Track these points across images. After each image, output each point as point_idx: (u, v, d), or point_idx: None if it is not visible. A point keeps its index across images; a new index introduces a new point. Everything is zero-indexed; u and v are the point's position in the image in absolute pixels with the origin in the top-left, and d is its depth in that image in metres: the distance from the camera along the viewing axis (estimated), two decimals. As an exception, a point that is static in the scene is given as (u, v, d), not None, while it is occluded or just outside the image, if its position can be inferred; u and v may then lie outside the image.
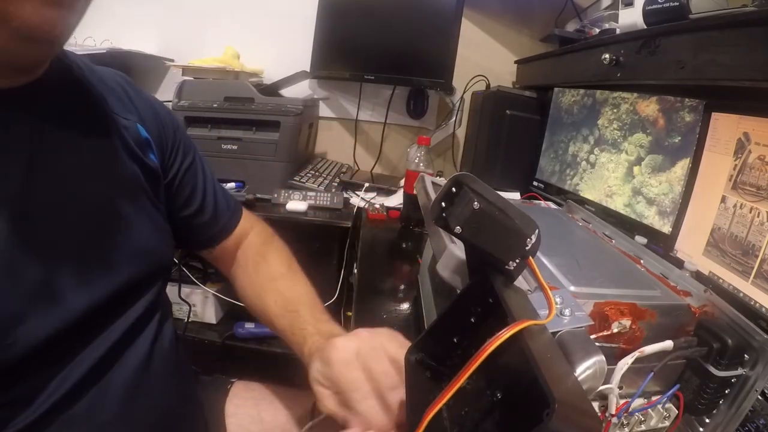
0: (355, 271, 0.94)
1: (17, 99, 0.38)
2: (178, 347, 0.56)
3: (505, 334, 0.23)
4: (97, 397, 0.42)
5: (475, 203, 0.26)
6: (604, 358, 0.27)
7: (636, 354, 0.35)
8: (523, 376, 0.21)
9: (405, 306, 0.72)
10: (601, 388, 0.34)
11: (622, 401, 0.36)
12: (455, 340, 0.30)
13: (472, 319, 0.30)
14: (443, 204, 0.27)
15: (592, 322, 0.35)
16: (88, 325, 0.42)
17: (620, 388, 0.36)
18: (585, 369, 0.27)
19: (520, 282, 0.35)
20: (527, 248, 0.28)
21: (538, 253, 0.44)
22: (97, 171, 0.45)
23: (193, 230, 0.61)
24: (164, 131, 0.56)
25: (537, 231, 0.29)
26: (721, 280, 0.62)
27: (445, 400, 0.23)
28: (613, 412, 0.35)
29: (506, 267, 0.28)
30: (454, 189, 0.27)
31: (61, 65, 0.44)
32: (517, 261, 0.28)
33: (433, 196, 0.57)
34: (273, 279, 0.63)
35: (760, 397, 0.41)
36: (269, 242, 0.68)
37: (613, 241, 0.60)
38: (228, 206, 0.65)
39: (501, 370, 0.24)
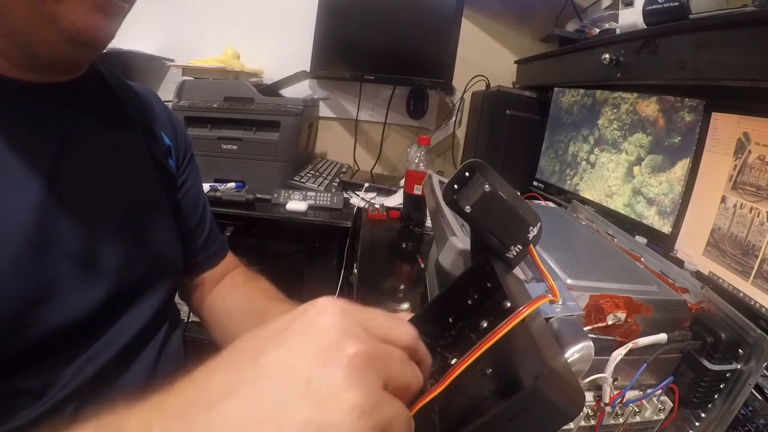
0: (355, 271, 0.93)
1: (59, 93, 0.42)
2: (186, 355, 0.56)
3: (527, 309, 0.24)
4: (109, 397, 0.42)
5: (486, 186, 0.27)
6: (591, 344, 0.28)
7: (629, 345, 0.36)
8: (515, 350, 0.22)
9: (405, 306, 0.72)
10: (595, 377, 0.35)
11: (616, 391, 0.36)
12: (450, 320, 0.31)
13: (469, 302, 0.31)
14: (455, 186, 0.28)
15: (583, 312, 0.35)
16: (103, 318, 0.42)
17: (615, 379, 0.37)
18: (574, 352, 0.28)
19: (518, 272, 0.36)
20: (529, 237, 0.30)
21: (539, 248, 0.45)
22: (123, 167, 0.48)
23: (185, 249, 0.60)
24: (180, 144, 0.59)
25: (539, 224, 0.30)
26: (721, 280, 0.62)
27: (468, 362, 0.24)
28: (607, 401, 0.36)
29: (507, 254, 0.29)
30: (467, 173, 0.28)
31: (95, 71, 0.49)
32: (519, 248, 0.29)
33: (439, 192, 0.58)
34: (269, 296, 0.62)
35: (760, 397, 0.41)
36: (257, 276, 0.68)
37: (616, 239, 0.60)
38: (218, 237, 0.66)
39: (491, 347, 0.25)
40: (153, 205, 0.51)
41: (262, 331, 0.22)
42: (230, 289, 0.64)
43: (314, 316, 0.21)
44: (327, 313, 0.21)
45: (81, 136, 0.43)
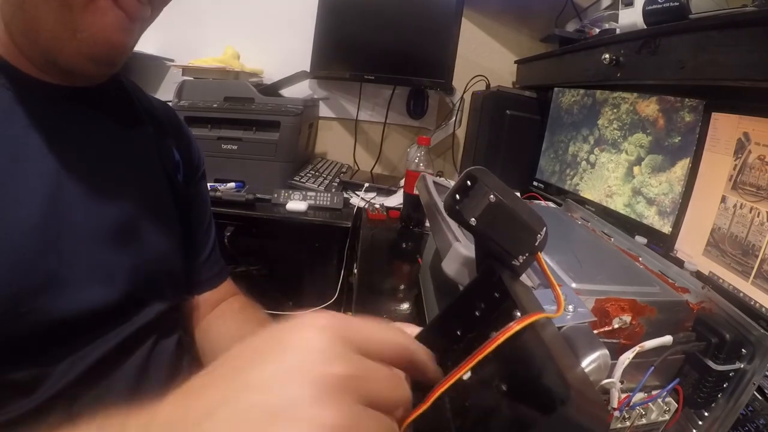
0: (355, 271, 0.93)
1: (78, 96, 0.43)
2: (181, 356, 0.54)
3: (518, 325, 0.23)
4: (99, 396, 0.42)
5: (491, 196, 0.26)
6: (608, 352, 0.28)
7: (636, 349, 0.36)
8: (533, 366, 0.21)
9: (405, 306, 0.72)
10: (603, 382, 0.35)
11: (623, 395, 0.36)
12: (458, 332, 0.30)
13: (477, 313, 0.30)
14: (457, 197, 0.27)
15: (595, 318, 0.35)
16: (101, 317, 0.42)
17: (621, 382, 0.37)
18: (590, 362, 0.27)
19: (524, 279, 0.36)
20: (536, 244, 0.29)
21: (540, 251, 0.45)
22: (133, 172, 0.48)
23: (185, 265, 0.58)
24: (191, 160, 0.60)
25: (545, 228, 0.29)
26: (721, 280, 0.62)
27: (456, 378, 0.23)
28: (615, 406, 0.36)
29: (513, 262, 0.29)
30: (468, 182, 0.27)
31: (115, 79, 0.50)
32: (526, 256, 0.28)
33: (435, 194, 0.57)
34: (263, 324, 0.59)
35: (760, 397, 0.41)
36: (255, 305, 0.66)
37: (612, 239, 0.60)
38: (219, 261, 0.64)
39: (505, 362, 0.24)
40: (160, 213, 0.51)
41: (247, 346, 0.21)
42: (226, 314, 0.62)
43: (297, 332, 0.21)
44: (310, 330, 0.21)
45: (95, 139, 0.44)
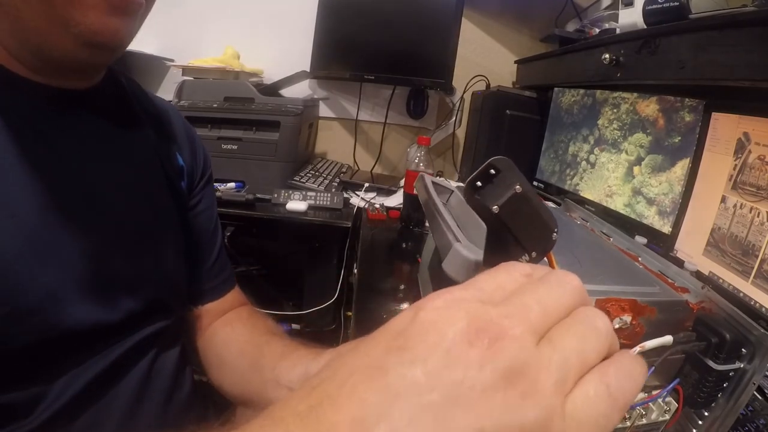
0: (355, 271, 0.94)
1: (73, 100, 0.40)
2: (183, 367, 0.53)
3: None
4: (97, 414, 0.41)
5: (518, 186, 0.26)
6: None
7: (637, 349, 0.35)
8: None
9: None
10: None
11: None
12: None
13: None
14: (479, 183, 0.26)
15: None
16: (101, 335, 0.41)
17: (622, 383, 0.37)
18: None
19: None
20: (549, 243, 0.28)
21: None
22: (133, 182, 0.46)
23: (189, 274, 0.56)
24: (196, 165, 0.57)
25: (557, 229, 0.29)
26: (721, 280, 0.62)
27: None
28: None
29: (524, 257, 0.28)
30: (492, 171, 0.27)
31: (115, 80, 0.47)
32: (537, 254, 0.28)
33: (434, 194, 0.57)
34: (274, 334, 0.58)
35: (760, 397, 0.41)
36: (264, 315, 0.64)
37: (611, 239, 0.60)
38: (226, 269, 0.62)
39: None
40: (162, 224, 0.49)
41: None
42: (234, 322, 0.60)
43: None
44: None
45: (91, 146, 0.41)
